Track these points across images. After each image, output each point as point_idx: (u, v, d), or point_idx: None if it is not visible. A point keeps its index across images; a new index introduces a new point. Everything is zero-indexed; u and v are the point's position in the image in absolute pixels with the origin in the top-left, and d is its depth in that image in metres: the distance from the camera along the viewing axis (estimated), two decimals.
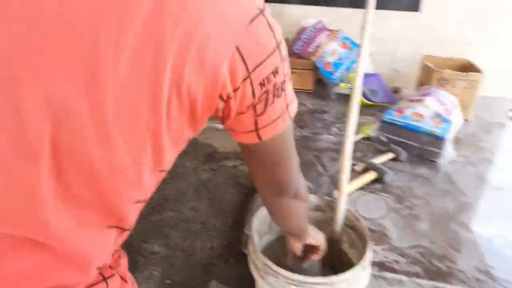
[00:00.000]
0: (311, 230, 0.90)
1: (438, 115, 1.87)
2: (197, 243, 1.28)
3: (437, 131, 1.77)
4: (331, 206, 1.05)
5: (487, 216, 1.44)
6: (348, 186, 1.55)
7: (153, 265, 1.16)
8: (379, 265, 1.19)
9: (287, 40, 2.65)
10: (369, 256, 0.90)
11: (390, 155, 1.78)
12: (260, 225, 1.04)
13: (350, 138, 1.03)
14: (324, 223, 1.09)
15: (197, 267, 1.20)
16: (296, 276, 0.82)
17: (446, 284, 1.13)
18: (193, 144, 1.91)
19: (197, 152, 1.82)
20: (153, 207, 1.41)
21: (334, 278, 0.82)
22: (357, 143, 1.95)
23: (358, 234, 1.01)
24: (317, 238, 0.91)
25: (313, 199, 1.09)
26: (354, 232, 1.03)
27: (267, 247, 1.06)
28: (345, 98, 2.51)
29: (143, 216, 1.39)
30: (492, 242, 1.30)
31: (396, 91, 2.66)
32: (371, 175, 1.61)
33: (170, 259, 1.20)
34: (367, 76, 2.52)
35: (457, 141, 1.97)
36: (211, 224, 1.36)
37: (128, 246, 1.18)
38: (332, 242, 1.04)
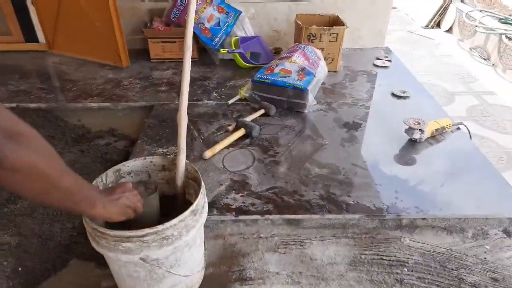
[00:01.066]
0: (102, 202, 0.74)
1: (302, 69, 2.02)
2: (56, 225, 1.25)
3: (300, 84, 1.92)
4: (175, 163, 1.10)
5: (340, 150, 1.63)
6: (217, 145, 1.63)
7: (1, 257, 1.12)
8: (237, 210, 1.30)
9: (164, 9, 2.58)
10: (200, 202, 0.98)
11: (261, 112, 1.89)
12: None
13: (185, 94, 1.07)
14: (171, 180, 1.14)
15: (55, 249, 1.18)
16: (122, 233, 0.86)
17: (292, 214, 1.27)
18: (61, 127, 1.82)
19: (65, 134, 1.74)
20: (7, 199, 1.33)
21: (160, 227, 0.88)
22: (234, 105, 2.03)
23: (198, 185, 1.08)
24: (109, 209, 0.76)
25: (158, 159, 1.13)
26: (195, 183, 1.10)
27: None
28: (228, 63, 2.57)
29: None
30: (331, 174, 1.48)
31: (277, 51, 2.78)
32: (239, 133, 1.70)
33: (23, 247, 1.16)
34: (248, 39, 2.60)
35: (324, 90, 2.16)
36: None
37: None
38: (179, 195, 1.10)
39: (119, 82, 2.26)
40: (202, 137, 1.73)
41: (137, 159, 1.11)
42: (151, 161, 1.13)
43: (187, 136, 1.80)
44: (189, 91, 1.10)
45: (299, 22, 2.41)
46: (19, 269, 1.09)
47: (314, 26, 2.36)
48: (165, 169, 1.15)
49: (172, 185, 1.16)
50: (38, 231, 1.21)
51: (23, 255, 1.14)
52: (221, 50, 2.44)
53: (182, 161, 1.08)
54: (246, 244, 1.25)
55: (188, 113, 1.10)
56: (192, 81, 2.31)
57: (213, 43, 2.51)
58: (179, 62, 2.65)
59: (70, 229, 1.25)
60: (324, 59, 2.22)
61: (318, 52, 2.20)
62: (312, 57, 2.14)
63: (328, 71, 2.23)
